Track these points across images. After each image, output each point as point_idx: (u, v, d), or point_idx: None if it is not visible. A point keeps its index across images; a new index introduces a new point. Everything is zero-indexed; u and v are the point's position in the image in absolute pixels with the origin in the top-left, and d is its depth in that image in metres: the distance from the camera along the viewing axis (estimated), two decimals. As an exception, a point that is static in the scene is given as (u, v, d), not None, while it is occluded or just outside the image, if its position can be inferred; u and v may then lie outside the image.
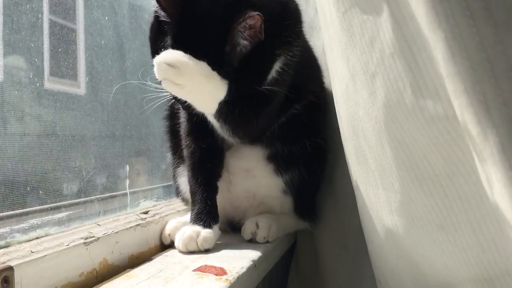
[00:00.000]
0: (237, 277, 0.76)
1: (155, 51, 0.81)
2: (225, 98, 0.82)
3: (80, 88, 0.93)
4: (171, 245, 0.96)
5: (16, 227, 0.67)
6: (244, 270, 0.79)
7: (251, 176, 1.05)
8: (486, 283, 0.47)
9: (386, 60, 0.50)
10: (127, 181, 0.99)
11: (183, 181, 1.10)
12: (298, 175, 1.05)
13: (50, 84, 0.85)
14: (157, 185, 1.24)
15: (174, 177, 1.13)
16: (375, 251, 0.74)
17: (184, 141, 1.01)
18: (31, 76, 0.79)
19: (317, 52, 1.17)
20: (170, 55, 0.77)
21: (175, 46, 0.78)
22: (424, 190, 0.51)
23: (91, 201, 0.92)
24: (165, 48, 0.79)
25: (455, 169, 0.47)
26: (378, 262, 0.74)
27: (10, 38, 0.74)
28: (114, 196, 0.94)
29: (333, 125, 1.11)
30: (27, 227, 0.68)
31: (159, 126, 1.15)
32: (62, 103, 0.87)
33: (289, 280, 1.27)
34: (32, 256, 0.63)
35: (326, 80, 1.15)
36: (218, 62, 0.78)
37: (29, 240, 0.67)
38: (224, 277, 0.75)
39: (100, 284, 0.72)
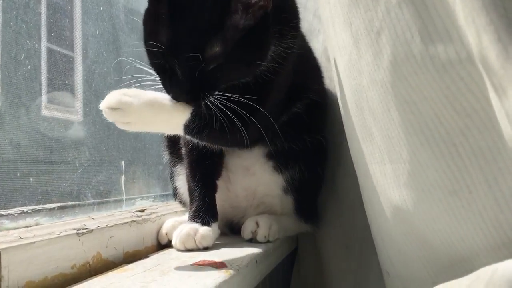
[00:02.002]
0: (238, 269, 0.72)
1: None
2: (189, 119, 0.79)
3: (78, 115, 0.92)
4: (168, 245, 0.93)
5: (4, 212, 0.63)
6: (245, 263, 0.76)
7: (251, 173, 1.02)
8: (505, 248, 0.44)
9: (393, 11, 0.48)
10: (123, 178, 0.96)
11: (181, 183, 1.07)
12: (298, 173, 1.02)
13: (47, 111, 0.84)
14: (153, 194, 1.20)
15: (172, 178, 1.10)
16: (383, 238, 0.70)
17: (182, 139, 0.99)
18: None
19: (316, 54, 1.17)
20: (112, 98, 0.74)
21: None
22: (435, 152, 0.49)
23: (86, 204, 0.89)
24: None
25: (468, 122, 0.45)
26: (386, 250, 0.71)
27: (9, 65, 0.73)
28: (109, 195, 0.91)
29: (334, 125, 1.10)
30: (16, 214, 0.64)
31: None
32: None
33: (291, 286, 1.23)
34: (21, 242, 0.59)
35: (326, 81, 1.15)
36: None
37: (18, 228, 0.64)
38: (224, 269, 0.71)
39: (93, 276, 0.68)
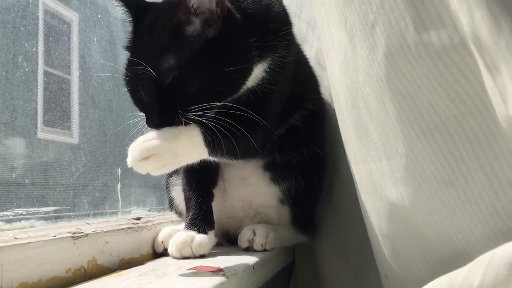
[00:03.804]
0: (235, 274, 0.71)
1: None
2: (206, 136, 0.79)
3: (73, 137, 0.92)
4: (164, 254, 0.92)
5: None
6: (242, 269, 0.75)
7: (247, 184, 1.02)
8: (502, 237, 0.44)
9: (387, 2, 0.49)
10: (119, 185, 0.95)
11: (177, 193, 1.06)
12: (295, 184, 1.02)
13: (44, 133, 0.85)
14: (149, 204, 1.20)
15: (167, 188, 1.09)
16: (380, 240, 0.70)
17: None
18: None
19: (311, 63, 1.18)
20: (138, 150, 0.74)
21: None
22: (431, 144, 0.49)
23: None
24: None
25: (463, 109, 0.45)
26: (384, 252, 0.70)
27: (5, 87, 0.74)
28: (104, 202, 0.91)
29: (331, 135, 1.10)
30: (11, 216, 0.64)
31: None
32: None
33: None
34: (16, 242, 0.59)
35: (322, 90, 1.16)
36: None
37: (13, 229, 0.64)
38: (221, 273, 0.70)
39: (88, 281, 0.67)
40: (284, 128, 0.99)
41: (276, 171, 1.01)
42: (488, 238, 0.47)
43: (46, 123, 0.86)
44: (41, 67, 0.85)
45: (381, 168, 0.59)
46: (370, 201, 0.68)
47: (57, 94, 0.87)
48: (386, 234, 0.66)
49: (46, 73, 0.86)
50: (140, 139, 0.76)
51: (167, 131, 0.77)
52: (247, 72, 0.82)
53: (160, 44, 0.76)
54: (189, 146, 0.79)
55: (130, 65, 0.78)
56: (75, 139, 0.92)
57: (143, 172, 0.75)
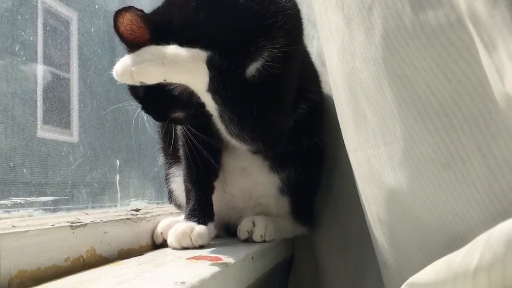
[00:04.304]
0: (234, 263, 0.71)
1: None
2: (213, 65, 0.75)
3: (73, 136, 0.92)
4: (163, 246, 0.92)
5: (-3, 202, 0.63)
6: (241, 258, 0.75)
7: (247, 174, 1.02)
8: (500, 218, 0.44)
9: None
10: (117, 177, 0.95)
11: (176, 185, 1.06)
12: (294, 173, 1.02)
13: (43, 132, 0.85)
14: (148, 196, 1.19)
15: (167, 180, 1.09)
16: (379, 228, 0.70)
17: (180, 141, 0.98)
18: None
19: (312, 58, 1.18)
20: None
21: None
22: (428, 126, 0.49)
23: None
24: None
25: (460, 89, 0.45)
26: (383, 240, 0.70)
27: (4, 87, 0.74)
28: (103, 193, 0.90)
29: (330, 127, 1.10)
30: (9, 205, 0.64)
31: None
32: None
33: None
34: (14, 230, 0.59)
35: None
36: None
37: (11, 218, 0.64)
38: (220, 262, 0.70)
39: (87, 270, 0.67)
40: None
41: (276, 160, 1.01)
42: (485, 220, 0.47)
43: (45, 121, 0.85)
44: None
45: (379, 154, 0.59)
46: (369, 188, 0.68)
47: (55, 89, 0.87)
48: (385, 221, 0.66)
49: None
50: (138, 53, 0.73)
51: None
52: None
53: None
54: (186, 57, 0.75)
55: None
56: (74, 138, 0.91)
57: (124, 74, 0.72)
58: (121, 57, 0.74)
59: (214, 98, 0.77)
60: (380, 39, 0.51)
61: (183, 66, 0.74)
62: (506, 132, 0.42)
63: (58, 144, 0.87)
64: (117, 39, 0.78)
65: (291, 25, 0.84)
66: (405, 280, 0.52)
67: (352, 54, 0.58)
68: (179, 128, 0.97)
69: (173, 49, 0.74)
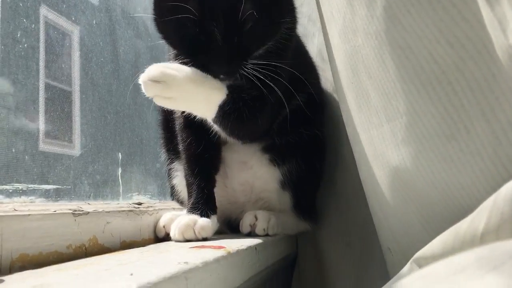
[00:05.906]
0: (237, 250, 0.70)
1: None
2: (224, 100, 0.78)
3: (75, 149, 0.92)
4: (166, 239, 0.91)
5: (-1, 187, 0.62)
6: (244, 247, 0.74)
7: (248, 167, 1.01)
8: (504, 183, 0.43)
9: None
10: (119, 170, 0.94)
11: (178, 180, 1.06)
12: (295, 166, 1.01)
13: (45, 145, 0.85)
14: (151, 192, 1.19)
15: (169, 175, 1.09)
16: (383, 210, 0.69)
17: (180, 135, 0.98)
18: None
19: (312, 56, 1.19)
20: (154, 70, 0.73)
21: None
22: (432, 97, 0.49)
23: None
24: None
25: (463, 53, 0.45)
26: (387, 224, 0.69)
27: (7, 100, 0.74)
28: (105, 186, 0.90)
29: (331, 122, 1.10)
30: (11, 190, 0.63)
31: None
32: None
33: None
34: (15, 213, 0.58)
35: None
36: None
37: (13, 203, 0.63)
38: (223, 249, 0.70)
39: (89, 257, 0.67)
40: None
41: (275, 153, 1.00)
42: (491, 191, 0.46)
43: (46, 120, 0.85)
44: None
45: (382, 133, 0.59)
46: (372, 171, 0.67)
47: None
48: (389, 203, 0.65)
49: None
50: (164, 64, 0.75)
51: (198, 73, 0.76)
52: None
53: None
54: (202, 101, 0.78)
55: (201, 4, 0.72)
56: (76, 151, 0.91)
57: (148, 94, 0.74)
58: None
59: None
60: (382, 11, 0.51)
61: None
62: (509, 92, 0.42)
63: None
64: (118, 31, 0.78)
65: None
66: None
67: (354, 32, 0.58)
68: (178, 122, 0.97)
69: None
